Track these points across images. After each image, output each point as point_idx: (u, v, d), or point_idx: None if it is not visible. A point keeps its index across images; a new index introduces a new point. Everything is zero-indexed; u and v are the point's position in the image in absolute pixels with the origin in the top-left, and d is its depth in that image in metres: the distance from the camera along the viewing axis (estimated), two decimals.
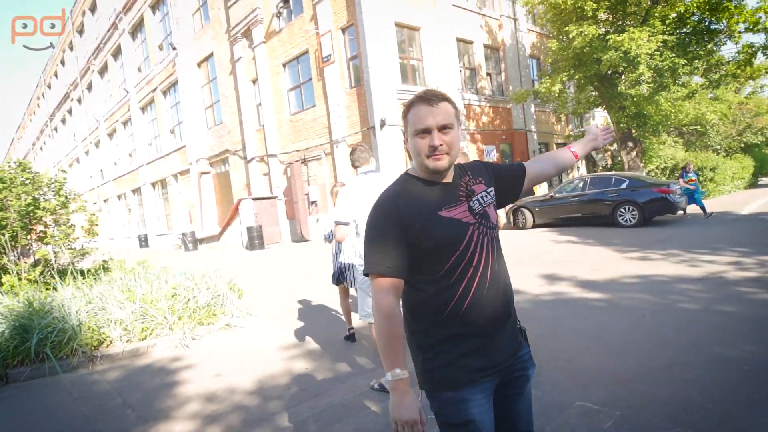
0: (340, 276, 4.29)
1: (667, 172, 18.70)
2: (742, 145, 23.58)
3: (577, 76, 14.85)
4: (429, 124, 1.45)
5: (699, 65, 13.30)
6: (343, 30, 15.25)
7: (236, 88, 19.52)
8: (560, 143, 22.43)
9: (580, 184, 13.28)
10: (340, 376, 3.92)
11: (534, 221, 13.74)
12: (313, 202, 16.97)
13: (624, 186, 12.06)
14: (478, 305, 1.46)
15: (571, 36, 13.67)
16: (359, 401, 3.37)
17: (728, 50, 13.93)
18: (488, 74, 18.75)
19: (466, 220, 1.49)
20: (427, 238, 1.44)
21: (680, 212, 12.30)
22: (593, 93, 15.92)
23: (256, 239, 16.68)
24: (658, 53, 12.52)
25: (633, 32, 12.40)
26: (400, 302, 1.51)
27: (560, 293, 5.96)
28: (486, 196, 1.58)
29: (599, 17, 14.15)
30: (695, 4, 12.29)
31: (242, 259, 14.12)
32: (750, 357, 3.43)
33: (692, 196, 12.40)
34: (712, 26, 12.80)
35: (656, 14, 13.10)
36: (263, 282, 9.03)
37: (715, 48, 13.24)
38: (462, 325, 1.45)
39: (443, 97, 1.48)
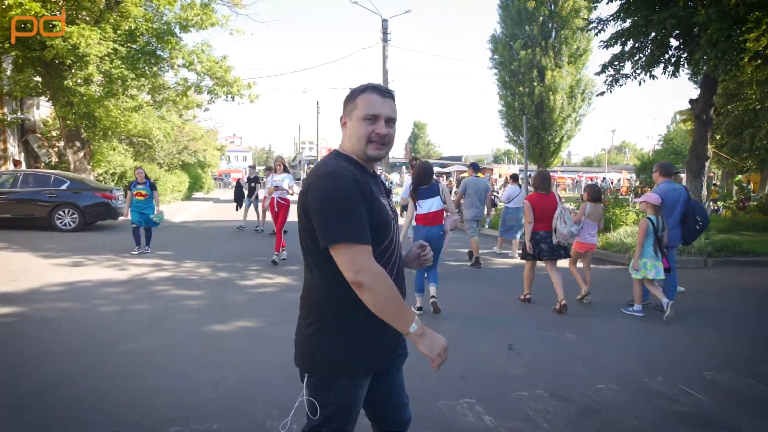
0: None
1: (116, 178, 19.05)
2: (181, 163, 27.58)
3: (14, 53, 12.66)
4: (379, 111, 1.50)
5: (146, 83, 14.44)
6: None
7: None
8: None
9: (11, 181, 11.33)
10: None
11: None
12: None
13: (64, 187, 11.28)
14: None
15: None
16: None
17: (174, 78, 15.92)
18: None
19: (388, 209, 1.58)
20: (375, 217, 1.45)
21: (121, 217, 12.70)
22: (37, 79, 14.05)
23: None
24: (109, 59, 12.63)
25: (84, 28, 11.91)
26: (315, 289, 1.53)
27: None
28: (391, 201, 1.68)
29: None
30: (144, 27, 13.31)
31: None
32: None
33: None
34: (159, 52, 14.27)
35: (110, 20, 13.19)
36: None
37: (159, 72, 14.81)
38: None
39: (392, 94, 1.56)
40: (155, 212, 8.52)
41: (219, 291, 5.97)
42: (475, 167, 8.73)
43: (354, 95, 1.53)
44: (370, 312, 1.40)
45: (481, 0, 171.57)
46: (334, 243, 1.36)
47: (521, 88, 25.86)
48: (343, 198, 1.37)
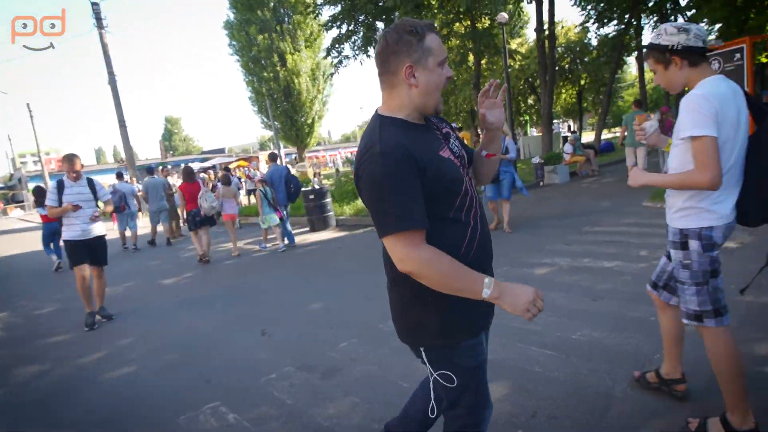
0: None
1: None
2: None
3: None
4: (446, 53, 1.37)
5: None
6: None
7: None
8: None
9: None
10: None
11: None
12: None
13: None
14: (484, 244, 1.45)
15: None
16: None
17: None
18: None
19: (455, 161, 1.40)
20: (440, 179, 1.32)
21: None
22: None
23: None
24: None
25: None
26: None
27: None
28: (456, 141, 1.50)
29: None
30: None
31: None
32: None
33: None
34: None
35: None
36: None
37: None
38: (475, 266, 1.34)
39: None
40: None
41: None
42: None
43: (419, 35, 1.29)
44: (463, 262, 1.34)
45: None
46: (382, 237, 1.31)
47: (265, 74, 25.89)
48: (390, 182, 1.26)
